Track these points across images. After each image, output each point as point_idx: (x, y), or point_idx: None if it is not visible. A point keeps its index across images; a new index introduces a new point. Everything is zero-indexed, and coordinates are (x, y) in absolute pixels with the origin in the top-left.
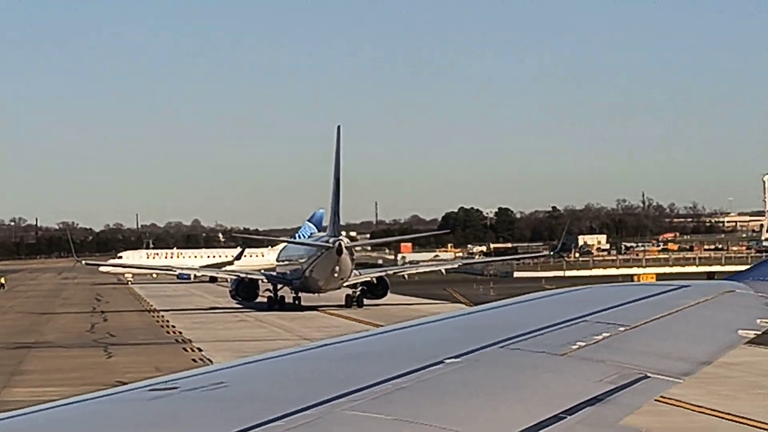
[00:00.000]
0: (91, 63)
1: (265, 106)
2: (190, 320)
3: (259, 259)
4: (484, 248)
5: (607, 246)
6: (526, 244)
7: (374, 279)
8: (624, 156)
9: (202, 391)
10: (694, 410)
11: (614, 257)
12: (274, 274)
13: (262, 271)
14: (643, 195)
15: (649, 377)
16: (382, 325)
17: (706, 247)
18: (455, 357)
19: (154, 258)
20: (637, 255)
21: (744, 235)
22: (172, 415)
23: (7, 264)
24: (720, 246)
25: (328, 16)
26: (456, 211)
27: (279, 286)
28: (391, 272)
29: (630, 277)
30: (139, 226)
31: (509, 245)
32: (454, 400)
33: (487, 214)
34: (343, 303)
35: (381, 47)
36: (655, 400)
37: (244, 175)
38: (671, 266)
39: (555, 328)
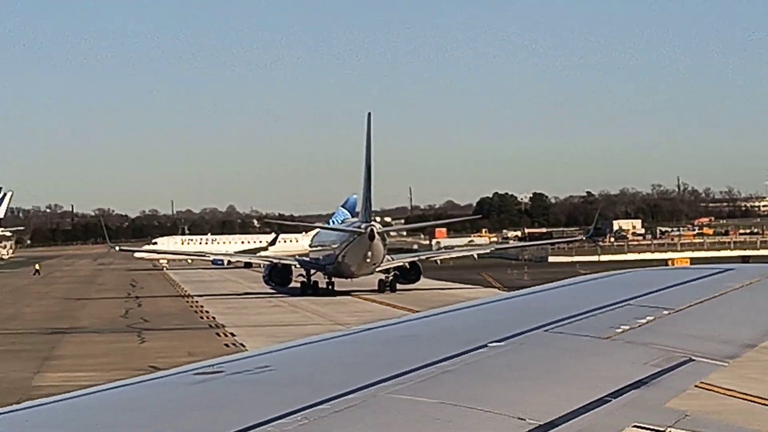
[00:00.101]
0: (129, 48)
1: (301, 91)
2: (224, 305)
3: (293, 245)
4: (518, 233)
5: (642, 231)
6: (560, 229)
7: (407, 264)
8: (659, 140)
9: (247, 374)
10: (724, 393)
11: (649, 242)
12: (307, 259)
13: (296, 256)
14: (678, 180)
15: (694, 360)
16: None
17: (741, 231)
18: (499, 341)
19: (188, 244)
20: (672, 239)
21: None
22: (218, 399)
23: (43, 250)
24: (756, 230)
25: (361, 2)
26: (491, 196)
27: (312, 271)
28: (423, 257)
29: (664, 262)
30: (175, 213)
31: (544, 230)
32: (499, 383)
33: (521, 199)
34: (376, 288)
35: (413, 32)
36: None
37: (280, 160)
38: (706, 250)
39: (599, 311)
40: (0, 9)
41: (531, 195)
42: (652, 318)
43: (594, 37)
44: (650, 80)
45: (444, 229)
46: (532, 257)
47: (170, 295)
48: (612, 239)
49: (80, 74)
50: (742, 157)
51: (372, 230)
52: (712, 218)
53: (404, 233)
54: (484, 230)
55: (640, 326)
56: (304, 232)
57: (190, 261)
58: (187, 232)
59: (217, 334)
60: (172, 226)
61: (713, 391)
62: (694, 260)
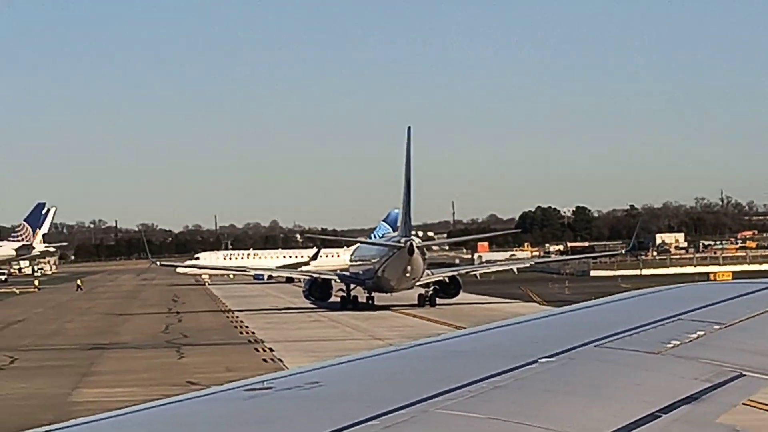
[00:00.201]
0: (174, 67)
1: (345, 106)
2: (264, 320)
3: (334, 260)
4: (561, 247)
5: (685, 244)
6: (603, 243)
7: (446, 278)
8: (703, 153)
9: (297, 390)
10: (764, 409)
11: (691, 255)
12: (347, 274)
13: (338, 271)
14: (722, 193)
15: (745, 375)
16: (455, 325)
17: None
18: (549, 356)
19: (230, 259)
20: (715, 253)
21: None
22: (268, 415)
23: (87, 266)
24: None
25: (401, 17)
26: (533, 210)
27: (352, 285)
28: (463, 272)
29: (706, 276)
30: (218, 228)
31: (586, 244)
32: (549, 398)
33: (564, 212)
34: (416, 302)
35: (456, 46)
36: None
37: (323, 175)
38: (749, 264)
39: (649, 326)
40: (47, 27)
41: (574, 209)
42: (702, 333)
43: (639, 50)
44: (694, 94)
45: (486, 243)
46: (574, 271)
47: (211, 310)
48: (654, 253)
49: (125, 91)
50: None
51: (411, 245)
52: (756, 232)
53: (446, 247)
54: (526, 244)
55: (690, 341)
56: (345, 247)
57: (231, 276)
58: (230, 247)
59: (256, 350)
60: (215, 241)
61: (749, 406)
62: (736, 274)
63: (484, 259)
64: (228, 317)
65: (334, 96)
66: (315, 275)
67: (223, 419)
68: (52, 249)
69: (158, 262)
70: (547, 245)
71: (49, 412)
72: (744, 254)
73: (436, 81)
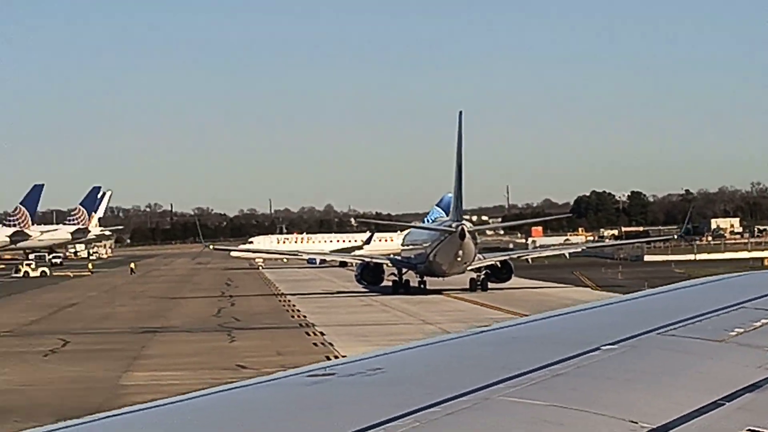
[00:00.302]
0: (227, 49)
1: (403, 89)
2: (316, 304)
3: (387, 244)
4: (615, 232)
5: (740, 229)
6: (658, 228)
7: (498, 263)
8: (759, 138)
9: (359, 377)
10: None
11: (746, 240)
12: (399, 258)
13: (391, 255)
14: None
15: None
16: (507, 310)
17: None
18: (612, 344)
19: (284, 243)
20: None
21: None
22: (331, 400)
23: (142, 249)
24: None
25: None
26: (588, 194)
27: (404, 270)
28: (515, 256)
29: (761, 261)
30: (273, 212)
31: (641, 229)
32: (611, 386)
33: (619, 197)
34: (468, 287)
35: (512, 28)
36: None
37: (378, 159)
38: None
39: (712, 314)
40: (103, 6)
41: (629, 193)
42: (766, 321)
43: (692, 33)
44: (751, 78)
45: (540, 228)
46: (627, 256)
47: (263, 294)
48: (709, 238)
49: (179, 74)
50: None
51: (463, 229)
52: None
53: (501, 232)
54: (580, 229)
55: (754, 329)
56: (399, 231)
57: (285, 260)
58: (284, 231)
59: (307, 333)
60: (270, 225)
61: None
62: None
63: (537, 244)
64: (280, 301)
65: (392, 79)
66: (367, 259)
67: (286, 405)
68: (107, 232)
69: (211, 246)
70: (601, 230)
71: (99, 395)
72: None
73: (493, 65)
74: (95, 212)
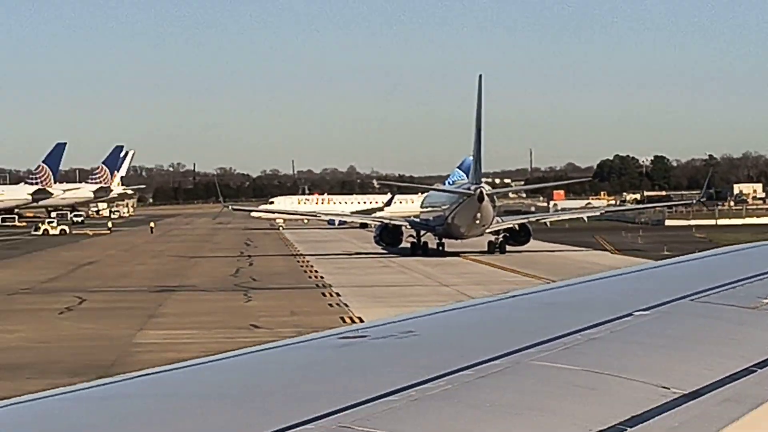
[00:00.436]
0: (245, 8)
1: (424, 51)
2: (334, 265)
3: (408, 206)
4: (637, 196)
5: (763, 195)
6: (680, 193)
7: (516, 226)
8: None
9: (391, 339)
10: None
11: None
12: (418, 220)
13: (411, 217)
14: None
15: None
16: (525, 272)
17: None
18: (644, 309)
19: (304, 203)
20: None
21: None
22: (363, 362)
23: (164, 209)
24: None
25: None
26: (611, 158)
27: (422, 232)
28: (533, 219)
29: None
30: (295, 172)
31: (663, 193)
32: (643, 352)
33: (643, 162)
34: (486, 249)
35: None
36: None
37: (401, 121)
38: None
39: (746, 281)
40: None
41: (652, 158)
42: None
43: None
44: None
45: (562, 192)
46: (648, 220)
47: (282, 254)
48: (731, 203)
49: (202, 35)
50: None
51: (481, 192)
52: None
53: (523, 195)
54: (603, 193)
55: None
56: (420, 194)
57: (306, 221)
58: (307, 191)
59: (323, 294)
60: (292, 185)
61: None
62: None
63: (559, 207)
64: (299, 261)
65: (418, 40)
66: (386, 221)
67: (318, 366)
68: (129, 191)
69: (230, 207)
70: (624, 194)
71: (112, 352)
72: None
73: (519, 28)
74: (118, 171)
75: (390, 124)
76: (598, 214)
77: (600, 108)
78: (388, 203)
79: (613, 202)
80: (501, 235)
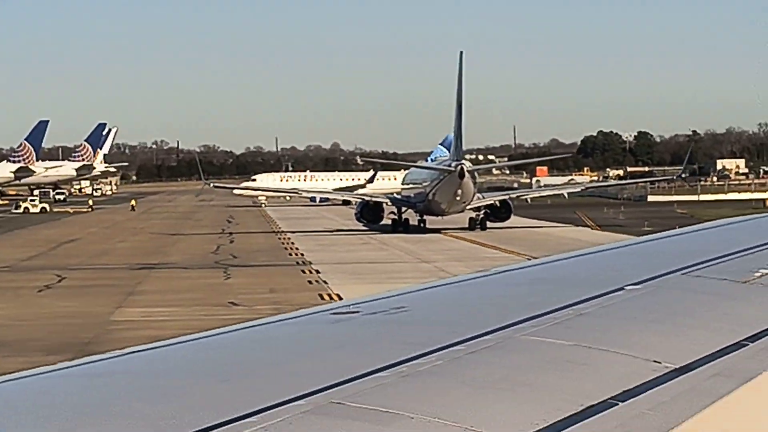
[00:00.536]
0: None
1: (409, 28)
2: (315, 242)
3: (391, 183)
4: (620, 172)
5: (746, 170)
6: (663, 169)
7: (497, 202)
8: (767, 79)
9: (383, 315)
10: None
11: (750, 181)
12: (399, 197)
13: (394, 194)
14: None
15: None
16: (505, 249)
17: None
18: (636, 284)
19: (287, 181)
20: None
21: None
22: (355, 338)
23: (147, 186)
24: None
25: None
26: (595, 134)
27: (403, 209)
28: (514, 196)
29: (762, 202)
30: (279, 149)
31: (646, 169)
32: (635, 326)
33: (626, 138)
34: (467, 226)
35: None
36: None
37: (384, 97)
38: None
39: (738, 255)
40: None
41: (636, 134)
42: None
43: None
44: (757, 18)
45: (545, 168)
46: (631, 196)
47: (264, 231)
48: (714, 178)
49: (185, 13)
50: None
51: (462, 168)
52: None
53: (507, 171)
54: (586, 169)
55: None
56: (402, 170)
57: (288, 198)
58: (290, 169)
59: (303, 271)
60: (276, 163)
61: None
62: None
63: (542, 183)
64: (280, 239)
65: (402, 15)
66: (367, 198)
67: (310, 341)
68: (112, 169)
69: (212, 184)
70: (607, 170)
71: (89, 330)
72: None
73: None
74: (100, 149)
75: (374, 101)
76: (578, 190)
77: (584, 84)
78: (371, 180)
79: (596, 178)
80: (482, 212)
